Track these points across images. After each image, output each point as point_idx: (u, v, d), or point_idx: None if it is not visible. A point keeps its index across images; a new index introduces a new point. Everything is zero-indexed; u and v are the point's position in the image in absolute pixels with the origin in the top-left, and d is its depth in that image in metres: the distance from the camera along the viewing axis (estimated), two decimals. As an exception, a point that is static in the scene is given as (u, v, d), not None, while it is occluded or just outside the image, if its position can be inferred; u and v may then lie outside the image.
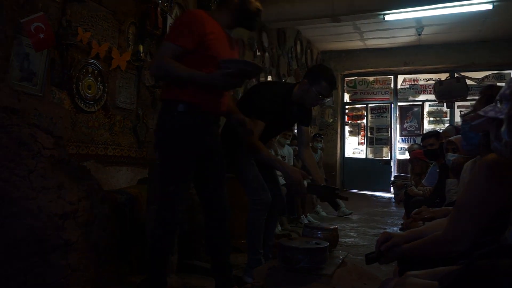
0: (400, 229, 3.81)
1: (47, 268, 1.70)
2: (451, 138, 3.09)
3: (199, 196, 2.20)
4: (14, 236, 1.65)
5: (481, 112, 1.39)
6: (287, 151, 5.08)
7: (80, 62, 2.56)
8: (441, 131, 4.54)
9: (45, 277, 1.69)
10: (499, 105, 1.32)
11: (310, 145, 3.07)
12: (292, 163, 4.82)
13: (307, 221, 4.84)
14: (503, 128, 1.15)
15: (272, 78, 6.09)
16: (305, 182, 2.43)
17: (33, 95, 2.28)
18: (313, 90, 2.47)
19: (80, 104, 2.56)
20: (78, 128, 2.60)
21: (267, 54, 5.89)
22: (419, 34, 7.38)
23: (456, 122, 8.45)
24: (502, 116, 1.21)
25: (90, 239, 1.90)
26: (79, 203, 1.89)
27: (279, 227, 4.14)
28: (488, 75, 8.37)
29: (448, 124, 8.19)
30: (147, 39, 3.24)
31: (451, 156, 2.90)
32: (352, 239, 4.34)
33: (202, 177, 2.12)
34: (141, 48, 3.12)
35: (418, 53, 8.25)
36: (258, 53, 5.58)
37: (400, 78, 9.17)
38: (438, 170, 3.59)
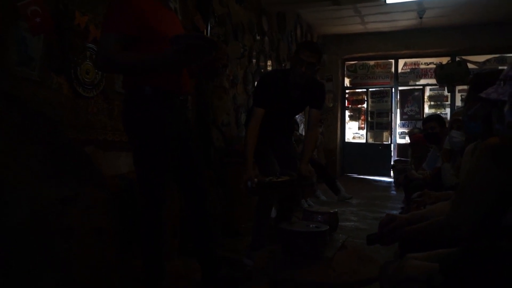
0: (400, 213, 3.82)
1: (49, 253, 1.70)
2: (458, 116, 3.08)
3: (176, 183, 2.18)
4: (15, 223, 1.65)
5: (482, 94, 1.37)
6: None
7: (78, 46, 2.53)
8: (442, 115, 4.54)
9: (47, 262, 1.70)
10: (501, 86, 1.31)
11: None
12: None
13: (307, 205, 4.86)
14: (506, 109, 1.14)
15: (272, 63, 6.05)
16: (249, 183, 2.41)
17: (31, 80, 2.25)
18: (300, 61, 2.54)
19: (79, 89, 2.54)
20: (77, 114, 2.58)
21: (266, 38, 5.83)
22: (421, 17, 7.29)
23: (457, 106, 8.43)
24: (505, 98, 1.20)
25: (92, 224, 1.90)
26: (80, 188, 1.89)
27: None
28: (490, 59, 8.31)
29: (457, 106, 8.18)
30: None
31: (454, 133, 2.89)
32: (352, 223, 4.36)
33: (176, 163, 2.10)
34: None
35: (419, 36, 8.17)
36: (258, 37, 5.53)
37: (401, 62, 9.11)
38: (438, 154, 3.59)
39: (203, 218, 2.19)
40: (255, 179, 2.41)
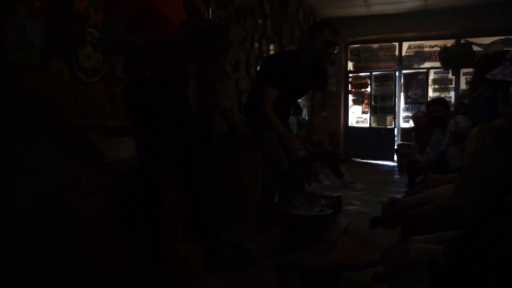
0: (403, 197, 3.82)
1: (53, 238, 1.71)
2: (464, 100, 3.06)
3: (176, 168, 2.18)
4: (18, 208, 1.66)
5: (488, 76, 1.35)
6: (290, 120, 5.06)
7: (78, 31, 2.50)
8: (446, 98, 4.50)
9: (51, 247, 1.71)
10: (507, 67, 1.29)
11: None
12: (295, 133, 4.80)
13: (310, 189, 4.86)
14: (511, 90, 1.12)
15: (274, 47, 5.99)
16: (302, 153, 2.45)
17: (32, 66, 2.24)
18: (319, 42, 2.55)
19: (80, 74, 2.52)
20: (78, 99, 2.57)
21: (269, 21, 5.76)
22: (425, -1, 7.19)
23: (461, 89, 8.35)
24: (511, 79, 1.18)
25: (95, 209, 1.91)
26: (83, 174, 1.89)
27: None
28: (495, 41, 8.19)
29: (462, 90, 8.11)
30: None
31: (460, 118, 2.88)
32: (356, 207, 4.37)
33: (176, 149, 2.10)
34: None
35: (423, 19, 8.05)
36: (260, 21, 5.46)
37: (405, 45, 9.01)
38: (442, 138, 3.57)
39: (203, 203, 2.20)
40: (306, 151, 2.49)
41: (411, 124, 7.96)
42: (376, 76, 9.29)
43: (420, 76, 8.96)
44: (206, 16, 3.87)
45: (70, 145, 1.94)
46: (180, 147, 2.11)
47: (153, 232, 2.07)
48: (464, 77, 8.43)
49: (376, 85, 9.30)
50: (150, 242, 2.07)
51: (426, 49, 8.92)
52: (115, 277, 1.98)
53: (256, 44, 5.34)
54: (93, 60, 2.63)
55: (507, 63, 1.26)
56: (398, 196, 4.79)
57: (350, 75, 9.58)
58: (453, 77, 8.52)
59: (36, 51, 2.25)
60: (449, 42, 8.26)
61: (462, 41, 8.14)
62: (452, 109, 3.68)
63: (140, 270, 2.17)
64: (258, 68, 3.05)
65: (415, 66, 9.01)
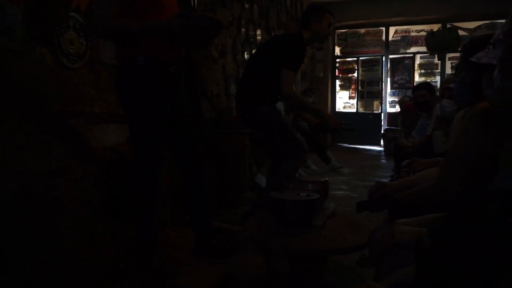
0: (389, 181, 3.87)
1: (37, 226, 1.69)
2: (450, 84, 3.08)
3: (172, 150, 2.19)
4: (3, 195, 1.63)
5: (473, 59, 1.36)
6: (278, 105, 5.01)
7: (60, 15, 2.44)
8: (432, 83, 4.53)
9: (36, 235, 1.69)
10: (491, 50, 1.29)
11: None
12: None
13: (297, 175, 4.88)
14: (495, 73, 1.13)
15: (261, 31, 5.94)
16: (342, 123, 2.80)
17: (12, 50, 2.18)
18: (324, 25, 2.78)
19: (63, 60, 2.47)
20: (62, 85, 2.52)
21: (255, 6, 5.70)
22: (412, -17, 7.19)
23: (447, 74, 8.41)
24: (496, 62, 1.18)
25: (80, 197, 1.89)
26: (67, 160, 1.86)
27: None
28: (481, 25, 8.24)
29: (447, 74, 8.16)
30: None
31: (445, 102, 2.90)
32: (343, 192, 4.41)
33: (172, 133, 2.10)
34: (124, 0, 2.98)
35: (410, 3, 8.06)
36: (247, 5, 5.40)
37: (392, 30, 9.02)
38: (428, 122, 3.60)
39: (199, 188, 2.21)
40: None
41: (397, 109, 8.02)
42: (363, 61, 9.31)
43: (407, 61, 9.00)
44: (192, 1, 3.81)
45: (54, 132, 1.91)
46: (175, 132, 2.11)
47: (144, 218, 2.07)
48: (449, 61, 8.49)
49: (363, 70, 9.33)
50: (141, 228, 2.07)
51: (412, 34, 8.94)
52: (103, 264, 1.98)
53: (243, 29, 5.29)
54: (77, 45, 2.58)
55: (491, 46, 1.27)
56: (384, 180, 4.85)
57: (337, 60, 9.57)
58: (439, 62, 8.58)
59: (16, 35, 2.19)
60: (435, 27, 8.29)
61: (448, 25, 8.17)
62: (438, 93, 3.71)
63: (129, 257, 2.17)
64: (258, 52, 2.94)
65: (402, 51, 9.04)
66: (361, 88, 9.34)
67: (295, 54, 2.69)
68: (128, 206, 2.44)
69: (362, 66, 9.32)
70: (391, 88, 9.15)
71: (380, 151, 8.13)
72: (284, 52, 2.66)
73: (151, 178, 2.03)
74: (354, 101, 9.46)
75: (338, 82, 9.64)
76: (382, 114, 9.08)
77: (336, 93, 9.62)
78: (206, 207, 2.27)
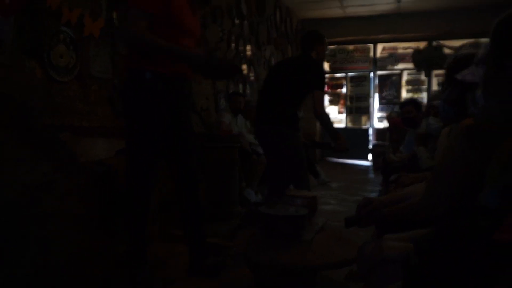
0: (378, 196, 3.88)
1: (25, 240, 1.67)
2: (434, 102, 3.14)
3: (169, 165, 2.19)
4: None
5: (458, 76, 1.39)
6: (240, 121, 4.76)
7: (50, 29, 2.45)
8: (419, 99, 4.60)
9: (23, 250, 1.66)
10: (475, 69, 1.33)
11: None
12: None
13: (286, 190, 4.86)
14: (479, 92, 1.16)
15: (251, 47, 5.99)
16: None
17: (1, 63, 2.18)
18: (325, 48, 3.16)
19: (52, 73, 2.47)
20: (51, 99, 2.51)
21: (246, 22, 5.76)
22: (399, 1, 7.33)
23: (434, 90, 8.55)
24: (479, 80, 1.21)
25: (68, 211, 1.87)
26: (55, 174, 1.85)
27: (259, 195, 4.17)
28: (465, 44, 8.42)
29: (434, 91, 8.31)
30: (121, 6, 3.12)
31: (432, 120, 2.94)
32: (332, 206, 4.42)
33: (171, 146, 2.12)
34: (114, 15, 3.00)
35: (397, 21, 8.22)
36: (237, 21, 5.46)
37: (380, 46, 9.17)
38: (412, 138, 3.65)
39: (195, 204, 2.21)
40: None
41: (385, 124, 8.11)
42: (351, 77, 9.42)
43: (394, 77, 9.13)
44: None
45: (41, 146, 1.90)
46: (174, 145, 2.13)
47: (135, 231, 2.06)
48: (436, 78, 8.64)
49: (351, 86, 9.43)
50: (131, 240, 2.06)
51: (399, 51, 9.10)
52: (90, 278, 1.95)
53: (233, 44, 5.34)
54: (66, 58, 2.57)
55: (475, 65, 1.30)
56: (373, 194, 4.88)
57: (326, 75, 9.67)
58: (426, 78, 8.72)
59: (6, 48, 2.19)
60: (422, 44, 8.45)
61: (434, 43, 8.34)
62: (424, 110, 3.76)
63: (117, 271, 2.14)
64: (280, 73, 3.05)
65: (389, 67, 9.18)
66: (350, 103, 9.44)
67: (324, 75, 3.03)
68: (116, 220, 2.42)
69: (350, 82, 9.43)
70: (380, 103, 9.26)
71: (368, 166, 8.18)
72: (315, 74, 2.90)
73: (145, 190, 2.04)
74: (343, 116, 9.55)
75: (327, 98, 9.73)
76: (371, 129, 9.17)
77: (325, 108, 9.69)
78: (202, 223, 2.26)
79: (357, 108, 9.38)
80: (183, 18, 1.98)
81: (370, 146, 8.38)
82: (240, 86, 5.68)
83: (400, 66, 9.07)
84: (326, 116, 2.98)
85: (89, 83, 2.81)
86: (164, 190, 2.77)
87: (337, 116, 9.66)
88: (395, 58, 9.11)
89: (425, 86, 8.90)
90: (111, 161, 2.62)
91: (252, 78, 6.07)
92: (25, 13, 2.29)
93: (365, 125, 9.28)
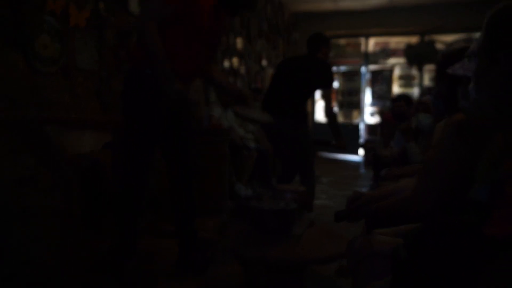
0: (368, 190, 3.89)
1: (6, 237, 1.63)
2: (423, 98, 3.13)
3: (165, 159, 2.18)
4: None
5: (449, 70, 1.37)
6: (230, 115, 4.66)
7: (33, 19, 2.38)
8: (410, 94, 4.60)
9: (6, 247, 1.62)
10: (467, 63, 1.31)
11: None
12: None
13: (275, 184, 4.86)
14: (471, 86, 1.14)
15: (242, 40, 5.94)
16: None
17: (-17, 54, 2.12)
18: (329, 50, 3.40)
19: (36, 64, 2.40)
20: (36, 91, 2.45)
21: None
22: (391, -4, 7.32)
23: (425, 85, 8.58)
24: (470, 74, 1.19)
25: (52, 206, 1.83)
26: (38, 169, 1.80)
27: (250, 190, 4.14)
28: (458, 39, 8.45)
29: (425, 85, 8.34)
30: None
31: (422, 116, 2.94)
32: (322, 201, 4.42)
33: (167, 141, 2.11)
34: (101, 5, 2.94)
35: (389, 15, 8.20)
36: (228, 14, 5.40)
37: (371, 41, 9.16)
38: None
39: (190, 199, 2.19)
40: None
41: (377, 119, 8.12)
42: (343, 71, 9.41)
43: (386, 72, 9.14)
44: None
45: (25, 138, 1.85)
46: (173, 142, 2.12)
47: (126, 224, 2.06)
48: (428, 73, 8.66)
49: (343, 80, 9.42)
50: (121, 232, 2.06)
51: (391, 46, 9.10)
52: (75, 275, 1.91)
53: (224, 38, 5.28)
54: (51, 49, 2.51)
55: (467, 59, 1.28)
56: (363, 189, 4.88)
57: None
58: (418, 73, 8.74)
59: (-12, 39, 2.12)
60: (414, 39, 8.46)
61: (426, 38, 8.35)
62: (414, 106, 3.77)
63: (103, 267, 2.11)
64: (291, 71, 3.34)
65: (381, 62, 9.18)
66: (341, 98, 9.43)
67: (333, 75, 3.35)
68: (102, 215, 2.38)
69: (342, 77, 9.42)
70: (372, 98, 9.27)
71: (359, 161, 8.20)
72: (326, 75, 3.24)
73: (139, 184, 2.04)
74: (335, 111, 9.55)
75: (318, 92, 9.71)
76: (362, 124, 9.18)
77: (316, 103, 9.68)
78: (195, 219, 2.23)
79: (348, 103, 9.38)
80: (201, 22, 1.94)
81: (361, 141, 8.39)
82: (231, 79, 5.64)
83: (392, 60, 9.08)
84: (335, 114, 3.38)
85: (75, 75, 2.75)
86: (153, 186, 2.74)
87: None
88: (386, 53, 9.12)
89: (416, 81, 8.92)
90: (98, 155, 2.58)
91: (242, 72, 6.03)
92: (6, 2, 2.22)
93: (356, 120, 9.29)
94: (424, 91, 4.57)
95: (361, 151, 8.26)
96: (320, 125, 9.48)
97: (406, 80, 9.09)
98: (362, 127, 9.14)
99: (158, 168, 2.57)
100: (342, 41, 9.36)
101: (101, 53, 3.00)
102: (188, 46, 1.95)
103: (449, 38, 8.42)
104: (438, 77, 1.56)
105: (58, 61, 2.57)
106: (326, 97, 3.35)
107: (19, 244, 1.65)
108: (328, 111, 3.35)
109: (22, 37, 2.32)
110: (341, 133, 3.39)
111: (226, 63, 5.34)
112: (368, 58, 9.16)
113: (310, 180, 3.29)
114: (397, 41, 9.02)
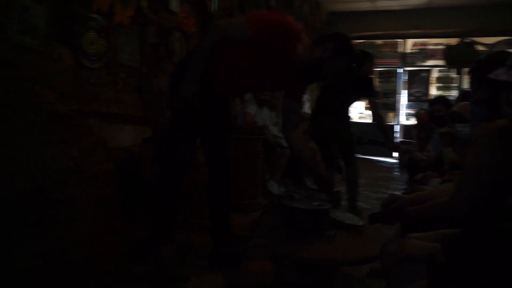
0: (403, 194, 3.83)
1: (50, 222, 1.71)
2: (455, 108, 3.04)
3: (205, 154, 2.23)
4: (16, 192, 1.65)
5: (492, 76, 1.34)
6: (265, 113, 4.71)
7: (81, 16, 2.49)
8: (449, 97, 4.48)
9: (49, 230, 1.71)
10: (511, 68, 1.28)
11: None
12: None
13: (310, 183, 4.85)
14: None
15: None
16: None
17: (34, 49, 2.22)
18: (373, 66, 4.10)
19: (83, 60, 2.51)
20: (80, 85, 2.56)
21: (274, 13, 5.70)
22: (431, -4, 7.14)
23: (464, 88, 8.33)
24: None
25: (93, 195, 1.91)
26: (82, 159, 1.89)
27: (282, 188, 4.16)
28: (500, 41, 8.15)
29: (465, 89, 8.10)
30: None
31: (459, 127, 2.86)
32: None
33: (208, 136, 2.16)
34: (144, 3, 3.03)
35: (428, 16, 8.00)
36: (265, 13, 5.42)
37: (409, 42, 8.97)
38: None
39: (225, 193, 2.24)
40: None
41: (413, 121, 7.94)
42: (379, 72, 9.26)
43: (423, 74, 8.92)
44: (211, 5, 3.91)
45: (70, 130, 1.94)
46: (211, 135, 2.19)
47: (167, 214, 2.21)
48: (467, 76, 8.39)
49: (379, 81, 9.27)
50: (161, 223, 2.21)
51: (430, 47, 8.87)
52: (113, 262, 1.99)
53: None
54: (97, 45, 2.61)
55: (510, 64, 1.25)
56: (397, 193, 4.80)
57: (353, 70, 9.54)
58: (457, 76, 8.49)
59: (39, 34, 2.23)
60: (453, 41, 8.22)
61: (467, 40, 8.10)
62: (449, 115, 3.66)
63: (137, 255, 2.19)
64: (341, 82, 3.75)
65: (419, 63, 8.97)
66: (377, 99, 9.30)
67: (374, 86, 3.87)
68: (139, 206, 2.46)
69: (378, 77, 9.27)
70: (408, 100, 9.08)
71: (393, 163, 8.05)
72: (370, 86, 3.74)
73: (180, 175, 2.21)
74: (369, 112, 9.41)
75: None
76: (398, 125, 9.01)
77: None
78: (229, 214, 2.28)
79: (384, 104, 9.22)
80: (278, 59, 2.08)
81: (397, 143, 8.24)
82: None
83: (430, 62, 8.86)
84: (383, 117, 4.00)
85: (117, 70, 2.85)
86: (187, 180, 2.80)
87: (363, 111, 9.52)
88: (425, 54, 8.90)
89: (456, 84, 8.67)
90: (137, 149, 2.66)
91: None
92: (57, 0, 2.33)
93: (392, 121, 9.12)
94: (462, 94, 4.44)
95: (395, 153, 8.11)
96: (355, 124, 9.35)
97: (444, 82, 8.85)
98: (397, 128, 8.97)
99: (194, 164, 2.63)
100: (379, 41, 9.20)
101: (143, 50, 3.09)
102: (250, 69, 2.06)
103: (490, 40, 8.13)
104: (478, 83, 1.52)
105: (102, 57, 2.67)
106: (372, 104, 3.86)
107: (62, 228, 1.74)
108: (378, 115, 3.86)
109: (71, 34, 2.43)
110: (391, 135, 3.67)
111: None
112: (405, 59, 8.97)
113: (353, 169, 3.76)
114: (435, 42, 8.79)
